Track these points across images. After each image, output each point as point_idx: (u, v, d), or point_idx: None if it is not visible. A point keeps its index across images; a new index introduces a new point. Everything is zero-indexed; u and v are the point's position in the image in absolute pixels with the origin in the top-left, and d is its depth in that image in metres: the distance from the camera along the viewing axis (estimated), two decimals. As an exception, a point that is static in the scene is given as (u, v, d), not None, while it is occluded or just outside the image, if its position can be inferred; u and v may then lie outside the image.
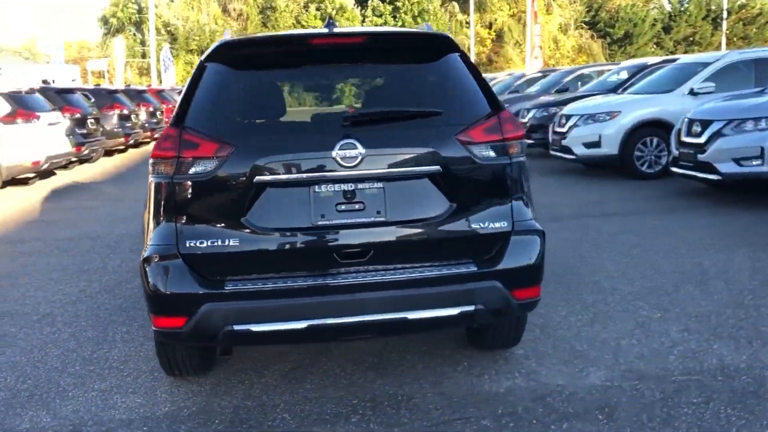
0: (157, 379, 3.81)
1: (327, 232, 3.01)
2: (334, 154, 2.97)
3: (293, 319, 2.96)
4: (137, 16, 49.48)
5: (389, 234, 3.06)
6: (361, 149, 2.99)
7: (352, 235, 3.03)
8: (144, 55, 48.21)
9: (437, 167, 3.08)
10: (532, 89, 17.59)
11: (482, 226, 3.14)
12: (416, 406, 3.40)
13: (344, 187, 3.02)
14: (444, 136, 3.09)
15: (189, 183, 3.00)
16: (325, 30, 3.27)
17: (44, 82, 16.29)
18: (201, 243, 2.99)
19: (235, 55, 3.23)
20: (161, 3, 50.25)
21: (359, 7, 52.36)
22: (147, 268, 3.02)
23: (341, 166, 2.98)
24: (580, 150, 10.43)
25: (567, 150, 10.65)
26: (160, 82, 39.52)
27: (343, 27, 3.70)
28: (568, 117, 10.81)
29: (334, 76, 3.31)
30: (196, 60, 54.36)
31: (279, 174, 3.00)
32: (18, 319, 4.95)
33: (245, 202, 2.99)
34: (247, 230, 2.98)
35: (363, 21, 51.84)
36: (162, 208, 3.04)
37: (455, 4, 52.08)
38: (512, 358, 3.91)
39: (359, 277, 3.02)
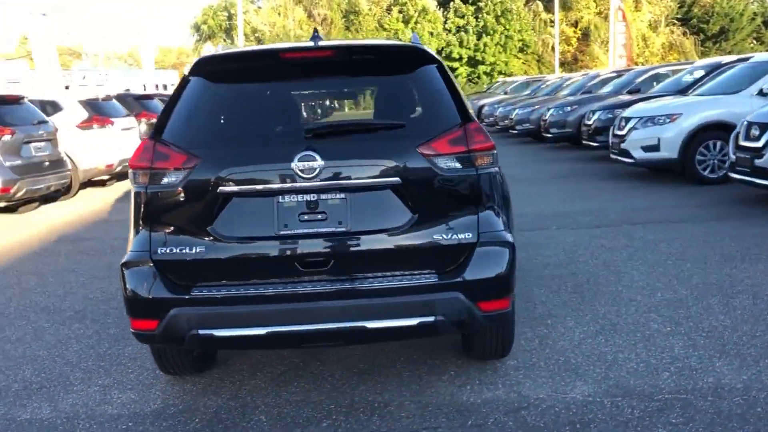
0: (156, 377, 4.01)
1: (289, 242, 3.10)
2: (293, 165, 3.05)
3: (254, 325, 3.07)
4: (227, 23, 51.27)
5: (350, 244, 3.12)
6: (320, 161, 3.05)
7: (314, 245, 3.10)
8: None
9: (398, 179, 3.11)
10: (605, 90, 17.09)
11: (445, 237, 3.14)
12: (389, 413, 3.44)
13: (307, 197, 3.10)
14: (405, 148, 3.11)
15: (161, 193, 3.16)
16: (308, 43, 3.37)
17: (123, 93, 17.11)
18: (171, 250, 3.14)
19: (213, 69, 3.37)
20: (250, 10, 51.96)
21: (441, 9, 52.28)
22: (124, 273, 3.21)
23: (301, 177, 3.06)
24: (638, 153, 10.08)
25: (625, 153, 10.31)
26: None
27: (332, 40, 3.78)
28: (628, 119, 10.46)
29: (305, 88, 3.38)
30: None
31: (241, 185, 3.11)
32: (53, 315, 5.30)
33: (212, 211, 3.12)
34: (213, 239, 3.11)
35: (445, 22, 51.76)
36: (139, 216, 3.22)
37: (539, 2, 51.15)
38: (501, 369, 3.88)
39: (319, 286, 3.09)
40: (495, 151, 3.31)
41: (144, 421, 3.48)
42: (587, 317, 4.63)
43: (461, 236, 3.16)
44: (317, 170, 3.05)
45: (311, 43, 3.35)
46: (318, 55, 3.36)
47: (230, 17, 50.90)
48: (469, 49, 51.76)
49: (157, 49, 58.36)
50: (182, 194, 3.14)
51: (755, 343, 4.03)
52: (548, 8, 49.93)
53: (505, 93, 28.71)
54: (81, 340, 4.71)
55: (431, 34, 51.72)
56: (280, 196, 3.10)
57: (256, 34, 50.61)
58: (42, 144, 10.01)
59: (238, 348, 3.39)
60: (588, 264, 5.95)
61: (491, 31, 50.64)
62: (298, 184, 3.07)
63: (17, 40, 61.90)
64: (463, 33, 51.43)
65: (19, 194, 9.45)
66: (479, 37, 51.30)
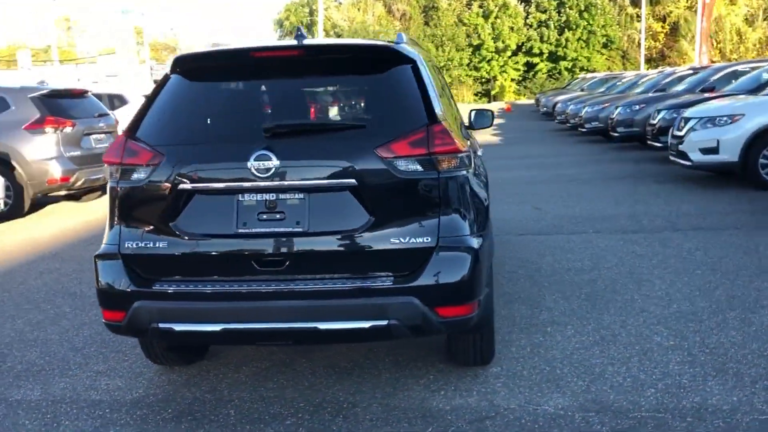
0: (147, 366, 4.13)
1: (247, 240, 3.13)
2: (249, 165, 3.07)
3: (210, 322, 3.12)
4: (308, 18, 52.10)
5: (307, 244, 3.12)
6: (275, 161, 3.06)
7: (271, 244, 3.12)
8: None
9: (354, 181, 3.08)
10: (679, 87, 16.35)
11: (402, 240, 3.09)
12: (354, 414, 3.42)
13: (266, 197, 3.12)
14: (363, 150, 3.08)
15: (130, 188, 3.26)
16: (280, 42, 3.39)
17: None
18: (137, 244, 3.23)
19: (188, 68, 3.43)
20: (330, 6, 52.58)
21: (523, 4, 51.35)
22: (97, 265, 3.33)
23: (257, 176, 3.08)
24: (696, 156, 9.59)
25: (683, 155, 9.84)
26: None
27: (314, 39, 3.78)
28: (687, 120, 9.97)
29: (274, 87, 3.39)
30: (360, 59, 56.41)
31: (201, 183, 3.17)
32: (78, 300, 5.55)
33: (176, 208, 3.19)
34: (176, 235, 3.18)
35: (526, 17, 50.80)
36: (113, 210, 3.33)
37: (626, -3, 49.46)
38: (482, 376, 3.79)
39: (273, 286, 3.11)
40: (463, 154, 3.23)
41: (120, 409, 3.60)
42: (590, 327, 4.46)
43: (419, 240, 3.10)
44: (272, 170, 3.07)
45: (283, 42, 3.37)
46: (287, 54, 3.37)
47: (311, 13, 51.73)
48: (551, 44, 50.65)
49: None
50: (148, 190, 3.22)
51: (759, 363, 3.78)
52: (635, 2, 48.20)
53: (581, 90, 27.96)
54: (93, 326, 4.91)
55: (511, 29, 50.91)
56: (240, 195, 3.13)
57: (336, 29, 51.22)
58: (102, 136, 10.47)
59: (196, 342, 3.46)
60: (612, 271, 5.73)
61: (573, 26, 49.37)
62: (255, 184, 3.10)
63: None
64: (544, 28, 50.34)
65: (78, 183, 9.92)
66: (561, 33, 50.13)
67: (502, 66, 52.12)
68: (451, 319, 3.19)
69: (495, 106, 43.70)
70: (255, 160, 3.06)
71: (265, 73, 3.38)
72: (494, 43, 50.77)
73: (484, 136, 21.84)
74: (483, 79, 53.28)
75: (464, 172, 3.23)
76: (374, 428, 3.29)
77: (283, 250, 3.11)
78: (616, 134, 15.49)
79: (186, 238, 3.16)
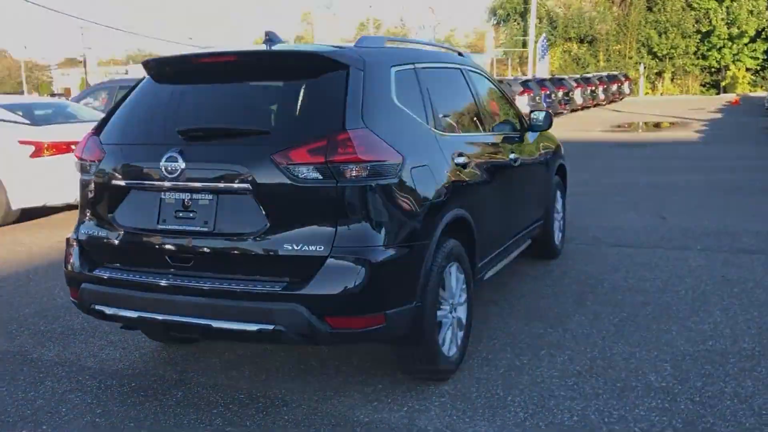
0: (150, 341, 4.52)
1: (164, 236, 3.31)
2: (161, 165, 3.25)
3: (129, 308, 3.38)
4: (522, 6, 51.07)
5: (210, 244, 3.22)
6: (181, 162, 3.21)
7: (180, 241, 3.27)
8: (524, 45, 49.64)
9: (251, 185, 3.13)
10: None
11: (294, 247, 3.07)
12: (277, 413, 3.48)
13: (182, 196, 3.28)
14: (262, 156, 3.10)
15: (85, 182, 3.63)
16: (222, 49, 3.56)
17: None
18: (87, 232, 3.59)
19: (152, 72, 3.68)
20: (546, -8, 51.02)
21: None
22: (65, 249, 3.75)
23: (167, 176, 3.25)
24: None
25: None
26: (535, 71, 40.46)
27: (286, 45, 3.82)
28: None
29: (206, 92, 3.51)
30: (574, 48, 53.74)
31: (128, 179, 3.42)
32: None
33: (114, 201, 3.48)
34: (112, 226, 3.47)
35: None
36: (80, 200, 3.73)
37: None
38: (428, 393, 3.64)
39: (179, 281, 3.26)
40: (371, 164, 3.11)
41: (95, 377, 4.00)
42: (590, 355, 4.05)
43: (311, 248, 3.06)
44: (179, 171, 3.22)
45: (222, 49, 3.51)
46: (223, 60, 3.49)
47: (526, 0, 50.65)
48: (796, 29, 44.68)
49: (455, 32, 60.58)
50: (95, 184, 3.55)
51: (743, 422, 3.19)
52: None
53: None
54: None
55: (750, 12, 45.73)
56: (163, 193, 3.33)
57: (550, 16, 49.67)
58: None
59: (126, 324, 3.69)
60: (676, 295, 5.10)
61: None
62: (167, 183, 3.28)
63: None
64: (788, 11, 44.52)
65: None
66: (809, 16, 43.96)
67: (735, 54, 47.07)
68: (347, 330, 3.12)
69: (722, 99, 39.64)
70: (165, 161, 3.24)
71: (202, 78, 3.55)
72: (728, 29, 45.97)
73: (680, 132, 20.13)
74: (712, 69, 48.56)
75: (373, 183, 3.11)
76: (282, 428, 3.33)
77: (191, 247, 3.26)
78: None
79: (120, 229, 3.45)
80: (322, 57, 3.34)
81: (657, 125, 24.05)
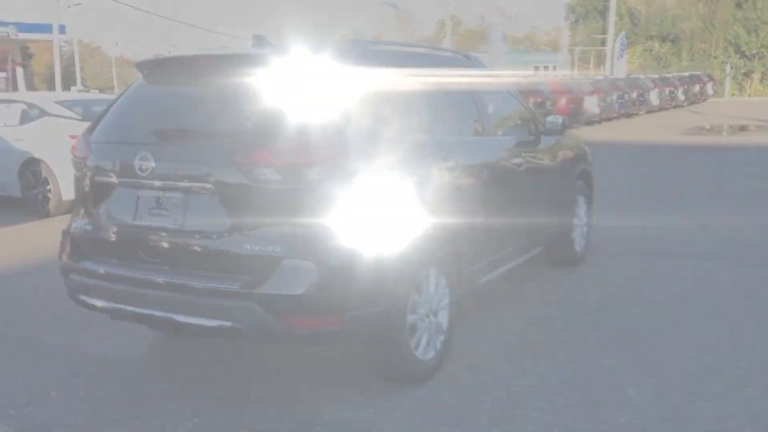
0: (155, 333, 4.70)
1: (139, 231, 3.47)
2: (134, 163, 3.40)
3: (106, 299, 3.56)
4: (602, 3, 49.73)
5: (178, 241, 3.35)
6: (151, 162, 3.35)
7: (153, 237, 3.42)
8: (603, 43, 48.34)
9: (214, 186, 3.23)
10: None
11: (252, 247, 3.15)
12: (245, 409, 3.56)
13: (156, 193, 3.42)
14: (225, 157, 3.20)
15: (78, 177, 3.83)
16: (205, 52, 3.68)
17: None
18: (75, 226, 3.79)
19: (148, 72, 3.85)
20: (628, -12, 49.50)
21: None
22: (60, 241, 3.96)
23: (140, 175, 3.40)
24: None
25: None
26: (612, 71, 39.30)
27: (272, 46, 3.90)
28: None
29: (177, 94, 3.62)
30: (656, 47, 51.94)
31: (105, 177, 3.60)
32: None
33: (98, 197, 3.67)
34: (96, 221, 3.66)
35: None
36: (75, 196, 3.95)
37: None
38: (400, 395, 3.63)
39: (150, 275, 3.40)
40: (332, 165, 3.16)
41: (92, 361, 4.22)
42: (572, 366, 3.96)
43: (269, 249, 3.13)
44: (149, 170, 3.36)
45: (193, 53, 3.65)
46: (192, 63, 3.64)
47: (606, -2, 49.28)
48: None
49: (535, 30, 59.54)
50: (84, 180, 3.75)
51: (714, 445, 3.07)
52: None
53: None
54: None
55: None
56: (139, 191, 3.48)
57: (632, 13, 48.17)
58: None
59: (110, 315, 3.84)
60: (686, 309, 4.92)
61: None
62: (141, 181, 3.42)
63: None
64: None
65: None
66: None
67: (832, 54, 44.43)
68: (305, 330, 3.19)
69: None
70: (138, 159, 3.39)
71: (177, 80, 3.68)
72: (823, 27, 43.43)
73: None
74: (805, 69, 45.98)
75: (333, 183, 3.15)
76: (251, 425, 3.40)
77: (161, 243, 3.40)
78: None
79: (103, 224, 3.63)
80: (272, 60, 3.43)
81: (742, 128, 22.78)
